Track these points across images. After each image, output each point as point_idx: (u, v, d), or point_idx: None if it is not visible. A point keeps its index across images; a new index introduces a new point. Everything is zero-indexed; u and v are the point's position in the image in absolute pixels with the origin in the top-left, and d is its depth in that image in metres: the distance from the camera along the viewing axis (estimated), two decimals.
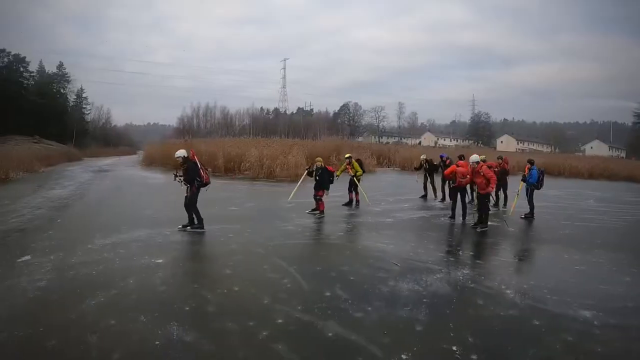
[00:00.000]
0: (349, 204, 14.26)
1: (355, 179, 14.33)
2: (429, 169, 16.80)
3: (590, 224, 12.77)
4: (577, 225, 12.31)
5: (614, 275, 7.60)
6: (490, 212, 11.42)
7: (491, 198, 14.89)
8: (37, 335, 4.75)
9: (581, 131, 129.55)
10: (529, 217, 12.85)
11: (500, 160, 15.48)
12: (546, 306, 5.90)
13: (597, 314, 5.64)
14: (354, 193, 14.42)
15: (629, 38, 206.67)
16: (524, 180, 13.00)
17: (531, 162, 13.17)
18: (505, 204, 15.03)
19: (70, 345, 4.55)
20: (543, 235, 10.82)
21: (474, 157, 11.32)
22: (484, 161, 14.06)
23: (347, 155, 15.10)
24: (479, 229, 10.84)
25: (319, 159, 12.78)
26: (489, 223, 11.10)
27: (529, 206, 12.98)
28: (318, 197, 12.10)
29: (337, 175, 13.56)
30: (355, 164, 14.46)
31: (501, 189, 15.22)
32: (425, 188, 17.01)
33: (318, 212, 12.10)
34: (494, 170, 14.98)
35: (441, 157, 16.51)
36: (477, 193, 11.38)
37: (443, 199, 15.91)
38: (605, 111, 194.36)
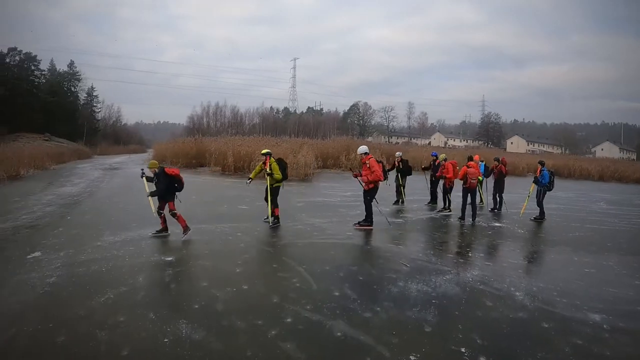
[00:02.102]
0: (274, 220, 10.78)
1: (271, 185, 10.71)
2: (402, 169, 15.31)
3: (600, 226, 12.68)
4: (587, 228, 12.23)
5: (624, 278, 7.54)
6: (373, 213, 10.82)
7: (482, 200, 14.76)
8: (46, 330, 4.79)
9: (592, 132, 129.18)
10: (539, 219, 12.77)
11: (497, 162, 15.02)
12: (555, 309, 5.87)
13: (607, 318, 5.61)
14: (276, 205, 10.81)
15: None
16: (535, 182, 12.88)
17: (542, 164, 13.02)
18: (500, 208, 14.52)
19: (79, 341, 4.58)
20: (553, 238, 10.74)
21: (361, 149, 11.02)
22: (445, 160, 14.07)
23: (263, 151, 11.04)
24: (354, 226, 10.73)
25: (153, 162, 9.59)
26: (496, 224, 11.03)
27: (539, 208, 12.88)
28: (172, 212, 9.21)
29: (250, 179, 11.16)
30: (275, 166, 10.66)
31: (497, 192, 14.76)
32: (398, 192, 15.30)
33: (184, 230, 9.24)
34: (496, 171, 14.63)
35: (433, 155, 15.98)
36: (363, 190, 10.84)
37: (431, 202, 15.26)
38: (616, 112, 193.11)
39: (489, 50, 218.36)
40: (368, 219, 10.71)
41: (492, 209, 14.65)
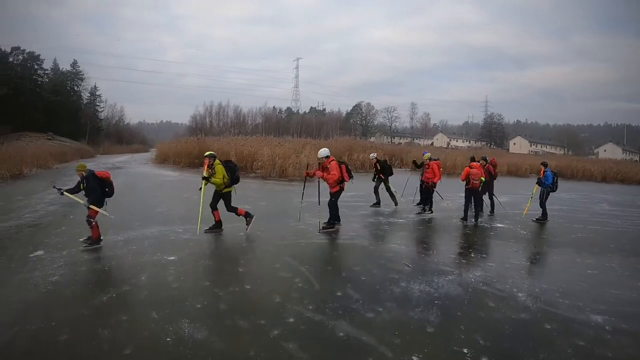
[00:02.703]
0: (216, 227, 9.75)
1: (220, 191, 9.64)
2: (382, 170, 14.17)
3: (603, 227, 12.64)
4: (590, 229, 12.19)
5: (627, 280, 7.52)
6: (336, 214, 10.39)
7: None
8: (48, 329, 4.81)
9: (595, 133, 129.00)
10: (542, 220, 12.72)
11: (484, 162, 13.92)
12: (558, 310, 5.86)
13: (609, 319, 5.60)
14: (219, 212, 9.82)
15: None
16: (539, 183, 12.80)
17: (545, 165, 12.96)
18: (492, 211, 13.94)
19: (82, 340, 4.60)
20: (556, 239, 10.72)
21: (322, 152, 10.34)
22: (430, 159, 13.41)
23: (207, 154, 9.68)
24: (319, 231, 10.15)
25: (80, 164, 8.57)
26: (498, 225, 11.01)
27: (541, 209, 12.86)
28: (89, 219, 8.26)
29: (203, 184, 9.53)
30: (219, 168, 9.40)
31: (486, 194, 13.91)
32: (377, 193, 14.15)
33: (88, 241, 8.37)
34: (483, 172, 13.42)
35: (424, 154, 14.38)
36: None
37: (421, 203, 13.97)
38: (620, 113, 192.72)
39: (490, 50, 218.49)
40: (331, 221, 10.43)
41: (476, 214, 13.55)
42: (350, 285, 6.44)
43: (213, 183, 9.40)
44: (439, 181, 13.41)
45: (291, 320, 5.20)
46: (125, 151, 60.27)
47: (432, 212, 13.27)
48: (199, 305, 5.53)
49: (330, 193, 10.36)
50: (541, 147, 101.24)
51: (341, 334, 4.86)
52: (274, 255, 8.05)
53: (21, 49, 60.34)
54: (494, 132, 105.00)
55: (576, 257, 8.89)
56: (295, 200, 13.54)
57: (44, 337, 4.64)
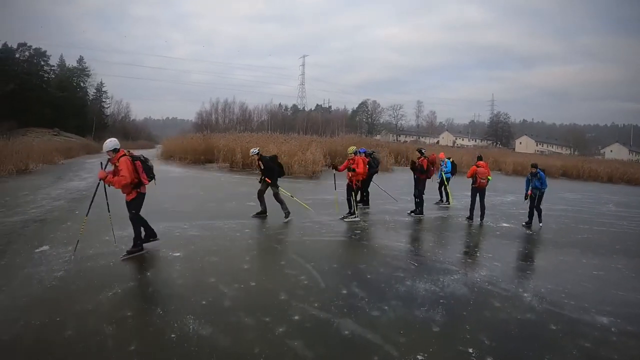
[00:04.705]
0: None
1: None
2: (266, 171, 11.14)
3: (609, 228, 12.59)
4: (596, 230, 12.14)
5: (633, 281, 7.50)
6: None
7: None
8: (53, 324, 4.82)
9: (601, 134, 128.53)
10: (535, 223, 12.12)
11: (420, 154, 12.73)
12: (563, 311, 5.84)
13: (615, 321, 5.58)
14: None
15: None
16: (536, 188, 11.88)
17: (535, 166, 11.92)
18: (418, 211, 12.70)
19: (87, 335, 4.61)
20: (561, 239, 10.66)
21: (108, 144, 7.79)
22: (355, 154, 11.77)
23: None
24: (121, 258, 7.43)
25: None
26: (504, 224, 10.95)
27: (535, 212, 12.03)
28: None
29: None
30: None
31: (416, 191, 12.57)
32: (262, 200, 11.27)
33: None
34: (417, 165, 12.45)
35: (361, 152, 13.10)
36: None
37: (354, 205, 11.56)
38: (626, 114, 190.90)
39: (496, 50, 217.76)
40: (137, 242, 7.78)
41: (411, 211, 12.71)
42: (355, 283, 6.44)
43: None
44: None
45: (296, 317, 5.20)
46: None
47: (357, 217, 11.51)
48: (204, 302, 5.53)
49: (127, 203, 7.76)
50: (547, 146, 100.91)
51: (346, 332, 4.86)
52: (279, 253, 8.07)
53: (27, 45, 60.71)
54: (500, 131, 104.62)
55: (582, 257, 8.86)
56: (301, 198, 13.54)
57: (49, 332, 4.64)
